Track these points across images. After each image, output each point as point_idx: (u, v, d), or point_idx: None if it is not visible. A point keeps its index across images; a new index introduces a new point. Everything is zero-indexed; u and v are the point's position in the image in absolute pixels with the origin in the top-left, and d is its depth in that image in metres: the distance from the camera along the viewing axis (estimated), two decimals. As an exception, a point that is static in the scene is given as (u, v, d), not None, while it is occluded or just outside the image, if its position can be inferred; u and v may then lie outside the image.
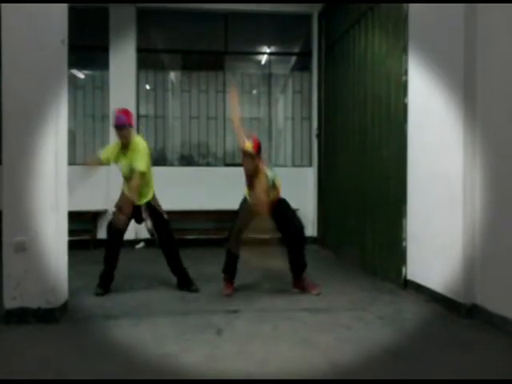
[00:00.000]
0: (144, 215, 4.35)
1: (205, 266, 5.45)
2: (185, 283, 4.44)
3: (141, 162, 4.14)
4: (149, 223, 4.36)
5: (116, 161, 4.36)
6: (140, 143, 4.25)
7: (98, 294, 4.19)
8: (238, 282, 4.54)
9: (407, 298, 4.13)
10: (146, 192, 4.36)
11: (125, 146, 4.27)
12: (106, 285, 4.31)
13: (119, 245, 4.39)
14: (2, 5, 3.37)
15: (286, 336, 3.13)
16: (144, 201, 4.35)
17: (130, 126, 4.24)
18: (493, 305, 3.33)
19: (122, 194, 4.41)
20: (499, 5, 3.30)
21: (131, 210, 4.21)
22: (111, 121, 4.35)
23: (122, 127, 4.15)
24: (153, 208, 4.38)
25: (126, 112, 4.23)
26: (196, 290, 4.36)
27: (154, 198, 4.45)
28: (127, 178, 4.30)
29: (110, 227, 4.32)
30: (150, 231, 4.40)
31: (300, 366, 2.63)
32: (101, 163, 4.45)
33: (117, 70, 7.35)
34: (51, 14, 3.44)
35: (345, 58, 6.28)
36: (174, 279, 4.59)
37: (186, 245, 7.23)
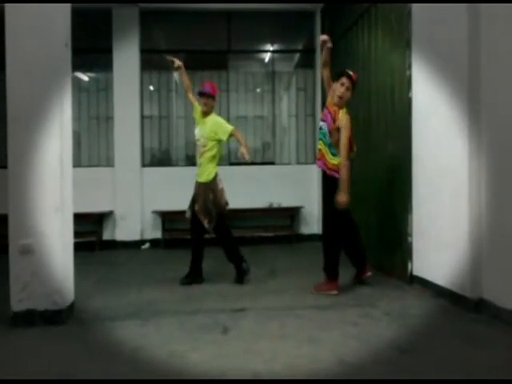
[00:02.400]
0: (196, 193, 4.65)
1: (208, 265, 5.44)
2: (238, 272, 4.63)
3: (226, 127, 4.66)
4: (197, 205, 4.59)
5: (198, 119, 4.86)
6: (218, 119, 4.78)
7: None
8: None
9: (413, 294, 4.12)
10: (208, 170, 4.71)
11: (205, 114, 4.75)
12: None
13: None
14: (6, 8, 3.39)
15: (293, 334, 3.13)
16: (202, 179, 4.69)
17: (213, 97, 4.75)
18: (500, 299, 3.31)
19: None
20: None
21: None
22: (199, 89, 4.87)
23: (206, 95, 4.68)
24: (208, 190, 4.63)
25: (212, 85, 4.81)
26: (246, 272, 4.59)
27: (213, 181, 4.72)
28: (198, 149, 4.82)
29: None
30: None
31: (307, 363, 2.62)
32: (190, 86, 5.01)
33: (120, 71, 7.37)
34: (55, 17, 3.46)
35: (348, 55, 6.26)
36: (179, 278, 4.60)
37: (190, 245, 7.25)
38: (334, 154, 4.16)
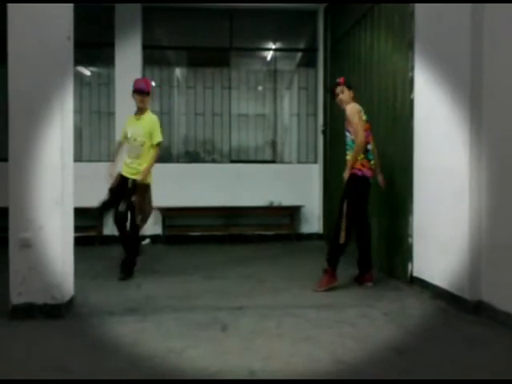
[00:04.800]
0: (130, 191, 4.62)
1: (209, 263, 5.45)
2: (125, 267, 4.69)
3: (158, 133, 4.70)
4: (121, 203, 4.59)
5: (126, 129, 4.80)
6: (154, 117, 4.78)
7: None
8: (241, 278, 4.54)
9: (413, 295, 4.12)
10: (140, 169, 4.68)
11: (139, 112, 4.75)
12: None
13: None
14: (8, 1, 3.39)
15: (290, 332, 3.13)
16: (135, 176, 4.67)
17: (148, 93, 4.73)
18: (498, 301, 3.31)
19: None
20: (506, -1, 3.27)
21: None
22: (132, 86, 4.76)
23: (141, 92, 4.67)
24: (137, 189, 4.64)
25: (145, 80, 4.90)
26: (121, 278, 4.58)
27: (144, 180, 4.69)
28: (131, 147, 4.73)
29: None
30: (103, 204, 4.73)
31: (304, 362, 2.63)
32: (121, 146, 4.98)
33: (122, 66, 7.36)
34: (57, 10, 3.44)
35: (351, 54, 6.25)
36: (179, 275, 4.61)
37: (190, 241, 7.28)
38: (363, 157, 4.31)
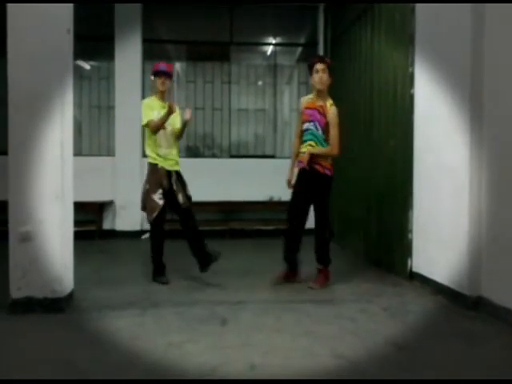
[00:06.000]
0: (174, 186, 4.33)
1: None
2: (205, 260, 4.32)
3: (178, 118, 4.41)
4: (180, 197, 4.34)
5: (158, 109, 4.33)
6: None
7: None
8: (241, 273, 4.53)
9: (412, 290, 4.12)
10: (178, 159, 4.46)
11: (162, 98, 4.40)
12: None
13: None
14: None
15: (290, 327, 3.13)
16: (177, 167, 4.42)
17: (171, 76, 4.46)
18: (498, 297, 3.32)
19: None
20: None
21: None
22: (152, 72, 4.45)
23: (165, 74, 4.34)
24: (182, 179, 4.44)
25: (169, 66, 4.46)
26: (216, 258, 4.29)
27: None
28: (162, 136, 4.33)
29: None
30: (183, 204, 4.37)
31: (303, 357, 2.63)
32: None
33: (122, 60, 7.33)
34: (57, 4, 3.42)
35: (351, 49, 6.23)
36: (178, 270, 4.61)
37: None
38: None
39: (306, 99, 4.31)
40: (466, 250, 3.56)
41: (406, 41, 4.55)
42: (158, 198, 4.27)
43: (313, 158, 4.11)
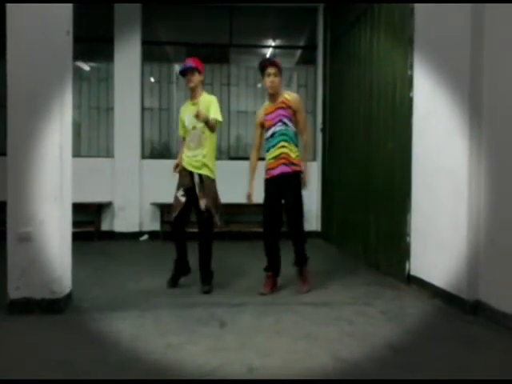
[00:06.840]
0: (197, 188, 4.15)
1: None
2: (205, 276, 4.21)
3: (217, 112, 4.10)
4: (202, 203, 4.16)
5: (183, 118, 4.26)
6: (211, 97, 4.23)
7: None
8: (239, 275, 4.53)
9: (410, 294, 4.13)
10: (212, 162, 4.23)
11: (193, 96, 4.24)
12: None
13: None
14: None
15: (289, 330, 3.13)
16: (199, 171, 4.15)
17: (199, 71, 4.18)
18: (496, 301, 3.32)
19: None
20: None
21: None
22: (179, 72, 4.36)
23: (189, 70, 4.13)
24: (204, 184, 4.17)
25: (194, 59, 4.20)
26: (207, 291, 4.10)
27: (210, 176, 4.22)
28: (191, 136, 4.18)
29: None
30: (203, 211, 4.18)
31: (302, 359, 2.63)
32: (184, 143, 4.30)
33: (121, 62, 7.34)
34: (56, 4, 3.42)
35: (350, 52, 6.25)
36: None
37: (189, 238, 7.25)
38: (296, 145, 4.17)
39: (262, 109, 4.28)
40: (464, 253, 3.56)
41: (405, 42, 4.56)
42: (180, 194, 4.24)
43: (290, 160, 4.10)
